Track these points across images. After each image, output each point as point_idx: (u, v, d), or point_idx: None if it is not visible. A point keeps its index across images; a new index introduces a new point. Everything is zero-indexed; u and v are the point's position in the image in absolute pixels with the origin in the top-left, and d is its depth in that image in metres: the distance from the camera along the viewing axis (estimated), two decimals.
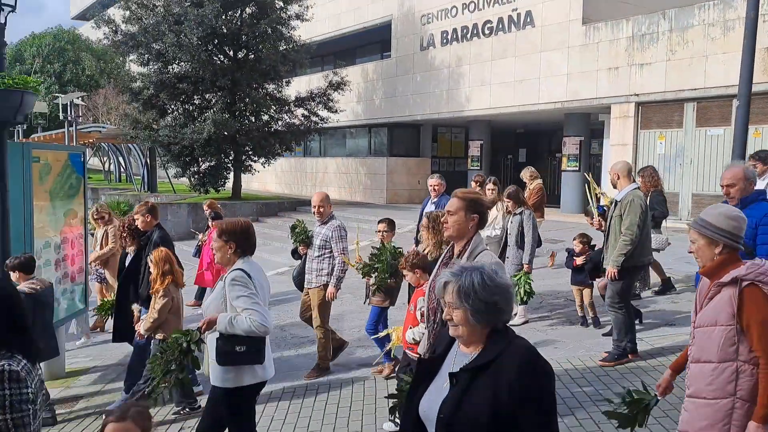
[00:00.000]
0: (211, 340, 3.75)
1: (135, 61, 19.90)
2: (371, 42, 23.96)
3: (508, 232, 7.28)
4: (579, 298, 6.98)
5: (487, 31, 17.86)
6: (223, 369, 3.70)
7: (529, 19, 16.60)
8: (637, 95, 14.02)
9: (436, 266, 3.47)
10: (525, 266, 6.98)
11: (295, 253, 6.63)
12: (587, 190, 6.45)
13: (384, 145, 22.79)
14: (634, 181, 5.87)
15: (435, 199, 7.87)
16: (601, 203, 6.47)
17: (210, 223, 9.70)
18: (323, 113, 20.53)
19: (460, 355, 2.29)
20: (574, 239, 7.03)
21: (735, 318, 2.76)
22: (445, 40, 19.31)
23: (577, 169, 17.81)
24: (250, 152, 19.92)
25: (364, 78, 22.69)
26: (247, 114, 19.62)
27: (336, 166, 24.37)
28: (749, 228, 3.77)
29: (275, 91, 20.26)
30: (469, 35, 18.47)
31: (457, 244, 3.33)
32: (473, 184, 10.54)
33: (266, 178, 26.32)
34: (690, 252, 2.99)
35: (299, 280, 6.44)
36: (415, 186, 22.19)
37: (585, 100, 15.29)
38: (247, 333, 3.59)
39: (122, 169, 33.12)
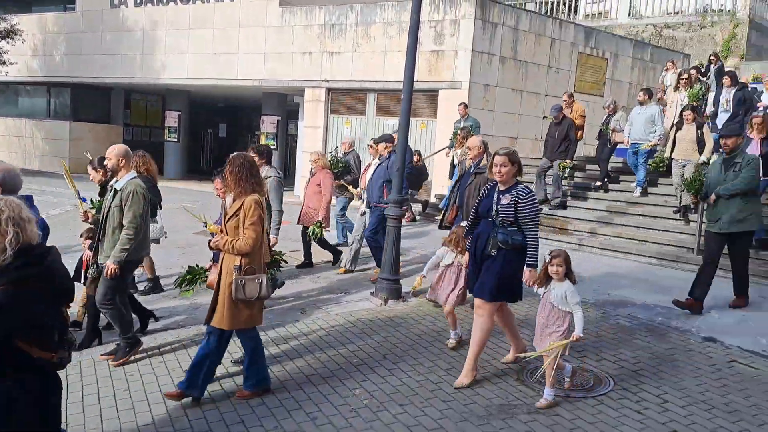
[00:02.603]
0: None
1: None
2: None
3: None
4: None
5: None
6: None
7: None
8: (328, 81, 14.98)
9: None
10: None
11: None
12: (66, 178, 6.01)
13: (67, 107, 20.48)
14: (132, 169, 5.57)
15: None
16: (81, 194, 5.99)
17: None
18: None
19: None
20: None
21: None
22: (138, 1, 18.00)
23: (275, 147, 18.35)
24: None
25: (42, 30, 19.96)
26: None
27: (5, 128, 21.07)
28: None
29: None
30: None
31: None
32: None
33: None
34: None
35: None
36: (103, 154, 20.34)
37: (281, 81, 15.78)
38: None
39: None
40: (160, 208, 7.40)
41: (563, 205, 10.94)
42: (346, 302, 6.98)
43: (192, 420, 4.30)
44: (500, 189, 4.62)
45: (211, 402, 4.56)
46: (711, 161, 8.18)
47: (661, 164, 9.86)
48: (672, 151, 9.38)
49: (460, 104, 11.88)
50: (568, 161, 10.47)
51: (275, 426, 4.17)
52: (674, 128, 9.75)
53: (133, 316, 5.76)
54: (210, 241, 4.59)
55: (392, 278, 7.04)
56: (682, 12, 20.49)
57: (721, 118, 10.83)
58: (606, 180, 11.09)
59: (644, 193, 10.42)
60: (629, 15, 21.26)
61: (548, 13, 20.19)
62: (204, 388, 4.58)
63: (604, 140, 11.02)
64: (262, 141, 18.51)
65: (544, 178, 10.80)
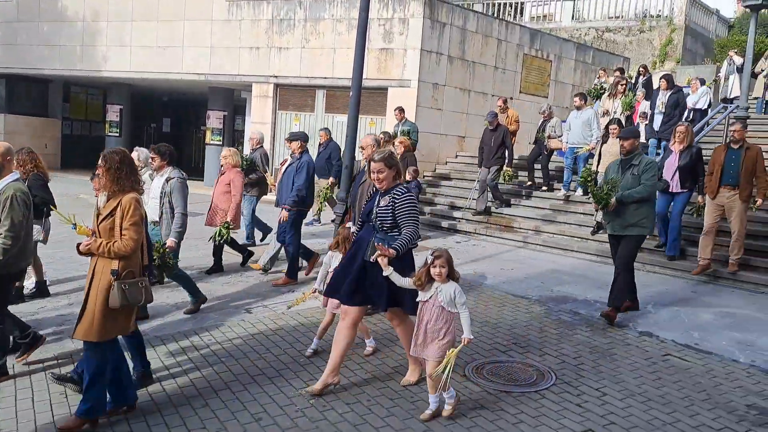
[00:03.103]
0: None
1: None
2: None
3: None
4: None
5: None
6: None
7: None
8: (276, 77, 14.82)
9: None
10: None
11: None
12: None
13: (1, 99, 19.57)
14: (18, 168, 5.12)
15: None
16: None
17: None
18: None
19: None
20: None
21: None
22: None
23: (221, 143, 18.04)
24: None
25: None
26: None
27: None
28: None
29: None
30: None
31: None
32: None
33: None
34: None
35: None
36: (42, 150, 19.57)
37: (228, 76, 15.52)
38: None
39: None
40: (54, 208, 7.07)
41: (507, 203, 11.15)
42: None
43: (132, 423, 4.18)
44: (381, 191, 4.54)
45: (153, 404, 4.44)
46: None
47: (590, 178, 9.93)
48: (599, 164, 9.63)
49: (395, 108, 11.88)
50: (509, 169, 10.63)
51: (219, 428, 4.10)
52: (601, 142, 10.02)
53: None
54: (79, 245, 4.09)
55: None
56: (622, 17, 21.20)
57: (657, 120, 11.23)
58: (551, 183, 11.38)
59: (585, 192, 10.70)
60: (573, 18, 21.86)
61: (495, 15, 20.53)
62: (134, 393, 4.40)
63: (540, 145, 11.29)
64: (208, 137, 18.17)
65: (487, 190, 10.86)
